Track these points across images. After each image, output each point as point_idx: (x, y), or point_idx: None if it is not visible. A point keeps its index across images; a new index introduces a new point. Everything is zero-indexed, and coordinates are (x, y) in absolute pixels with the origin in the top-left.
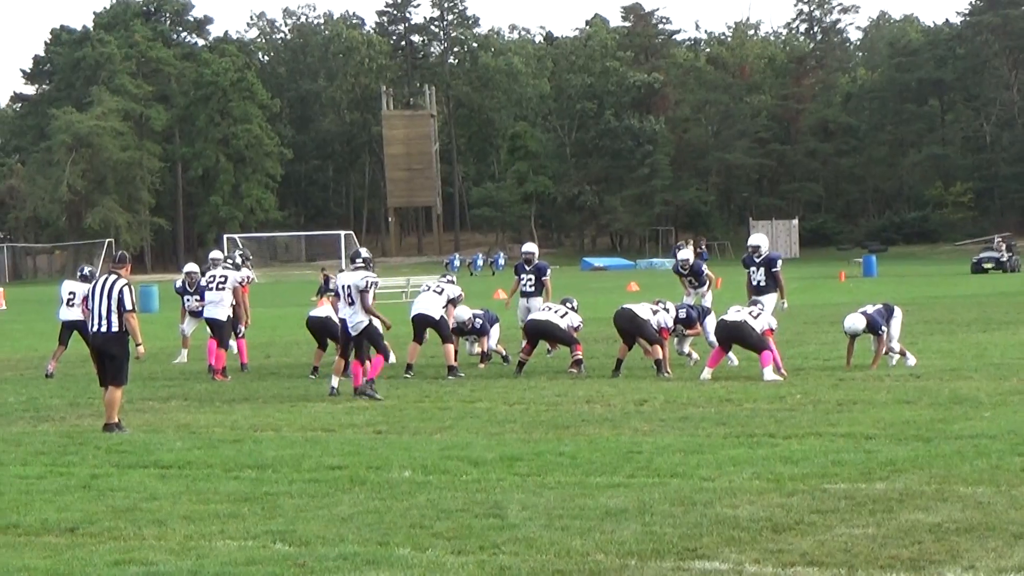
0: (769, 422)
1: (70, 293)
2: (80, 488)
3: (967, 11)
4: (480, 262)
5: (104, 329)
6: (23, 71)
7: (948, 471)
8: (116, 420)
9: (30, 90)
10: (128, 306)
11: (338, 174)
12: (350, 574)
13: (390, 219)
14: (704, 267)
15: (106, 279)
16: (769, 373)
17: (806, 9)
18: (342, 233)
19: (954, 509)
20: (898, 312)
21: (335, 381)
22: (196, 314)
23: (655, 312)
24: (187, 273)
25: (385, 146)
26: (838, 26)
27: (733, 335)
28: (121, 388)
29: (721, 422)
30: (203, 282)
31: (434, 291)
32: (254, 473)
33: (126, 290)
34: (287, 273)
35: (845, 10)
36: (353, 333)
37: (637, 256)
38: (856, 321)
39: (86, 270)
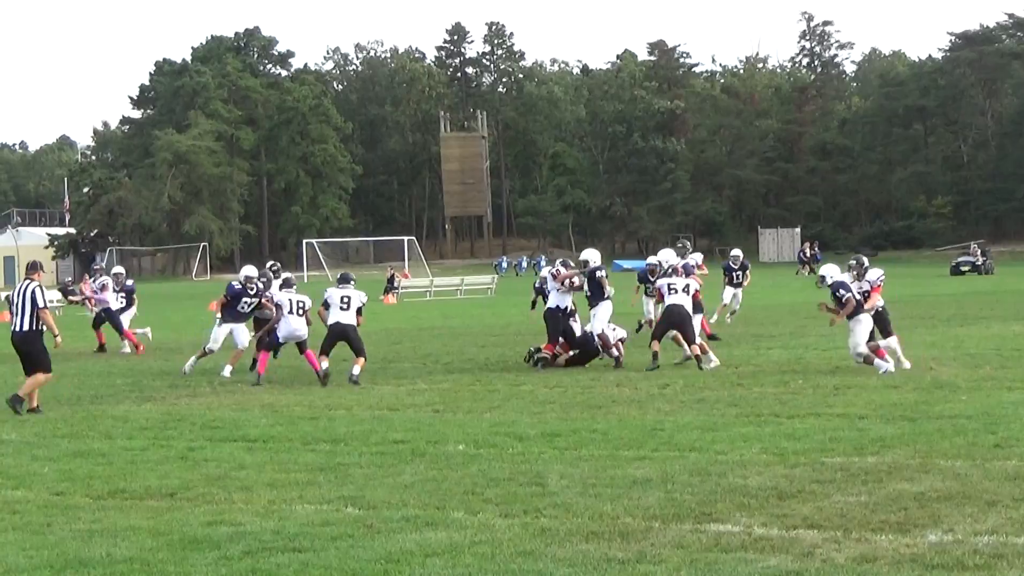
0: (774, 403)
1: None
2: (178, 459)
3: (947, 47)
4: (525, 264)
5: (19, 328)
6: (131, 98)
7: (930, 447)
8: (23, 396)
9: (137, 114)
10: (40, 304)
11: (402, 187)
12: (411, 534)
13: (447, 226)
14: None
15: (23, 285)
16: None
17: (808, 45)
18: (405, 239)
19: (936, 480)
20: (866, 319)
21: (325, 363)
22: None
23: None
24: (114, 274)
25: (443, 163)
26: (835, 60)
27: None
28: (45, 373)
29: (733, 404)
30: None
31: (340, 307)
32: (328, 446)
33: (38, 291)
34: (357, 273)
35: (842, 46)
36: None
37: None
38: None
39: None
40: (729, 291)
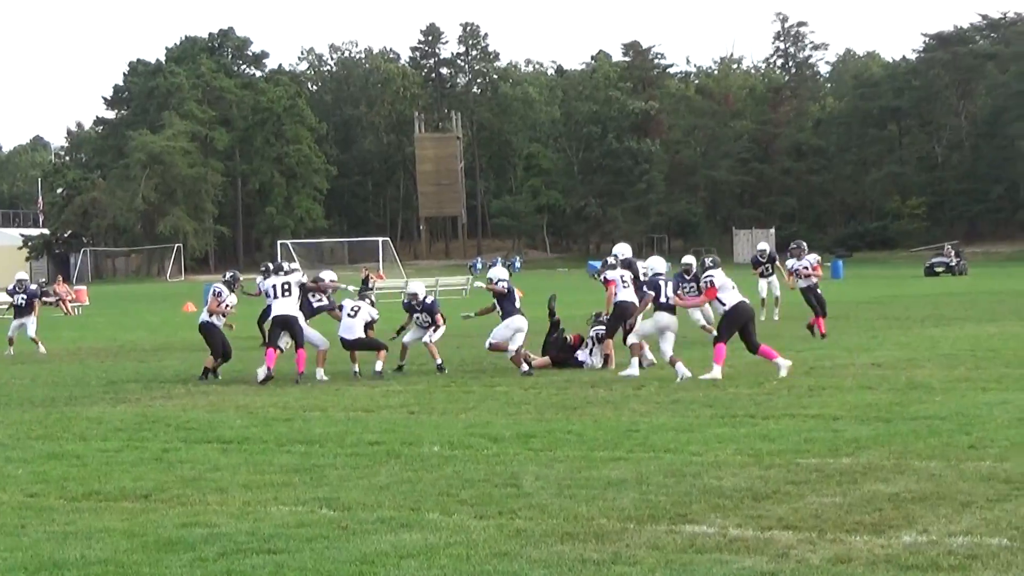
0: (749, 404)
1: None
2: (153, 460)
3: (921, 49)
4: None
5: None
6: (104, 98)
7: (905, 448)
8: None
9: (110, 115)
10: None
11: (376, 188)
12: (386, 535)
13: (421, 227)
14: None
15: None
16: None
17: (782, 46)
18: (380, 239)
19: (910, 481)
20: (667, 320)
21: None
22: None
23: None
24: (17, 280)
25: (417, 164)
26: (810, 61)
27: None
28: None
29: (708, 404)
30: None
31: (348, 314)
32: (303, 448)
33: None
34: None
35: (816, 47)
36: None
37: (635, 259)
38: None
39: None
40: (763, 283)
